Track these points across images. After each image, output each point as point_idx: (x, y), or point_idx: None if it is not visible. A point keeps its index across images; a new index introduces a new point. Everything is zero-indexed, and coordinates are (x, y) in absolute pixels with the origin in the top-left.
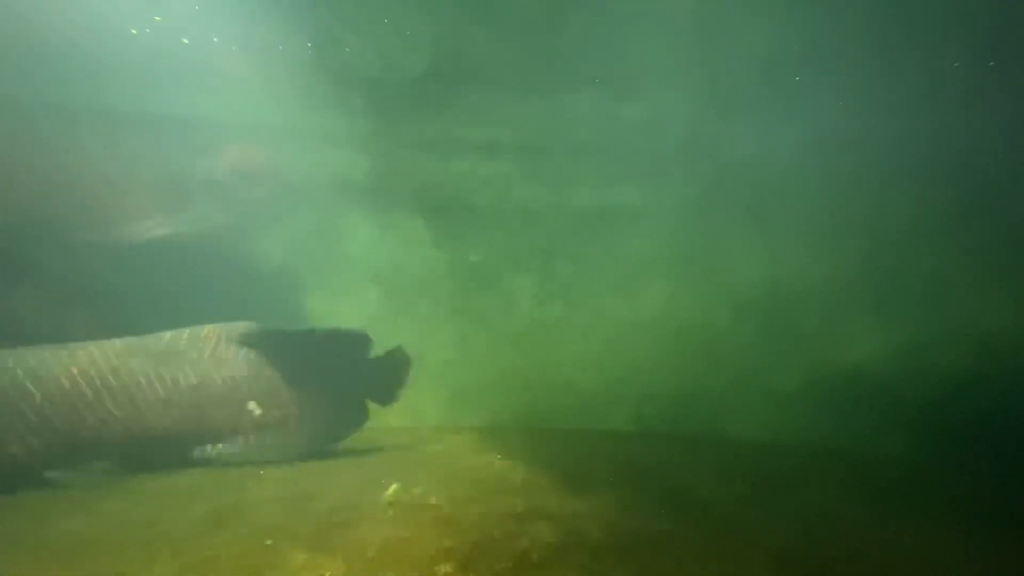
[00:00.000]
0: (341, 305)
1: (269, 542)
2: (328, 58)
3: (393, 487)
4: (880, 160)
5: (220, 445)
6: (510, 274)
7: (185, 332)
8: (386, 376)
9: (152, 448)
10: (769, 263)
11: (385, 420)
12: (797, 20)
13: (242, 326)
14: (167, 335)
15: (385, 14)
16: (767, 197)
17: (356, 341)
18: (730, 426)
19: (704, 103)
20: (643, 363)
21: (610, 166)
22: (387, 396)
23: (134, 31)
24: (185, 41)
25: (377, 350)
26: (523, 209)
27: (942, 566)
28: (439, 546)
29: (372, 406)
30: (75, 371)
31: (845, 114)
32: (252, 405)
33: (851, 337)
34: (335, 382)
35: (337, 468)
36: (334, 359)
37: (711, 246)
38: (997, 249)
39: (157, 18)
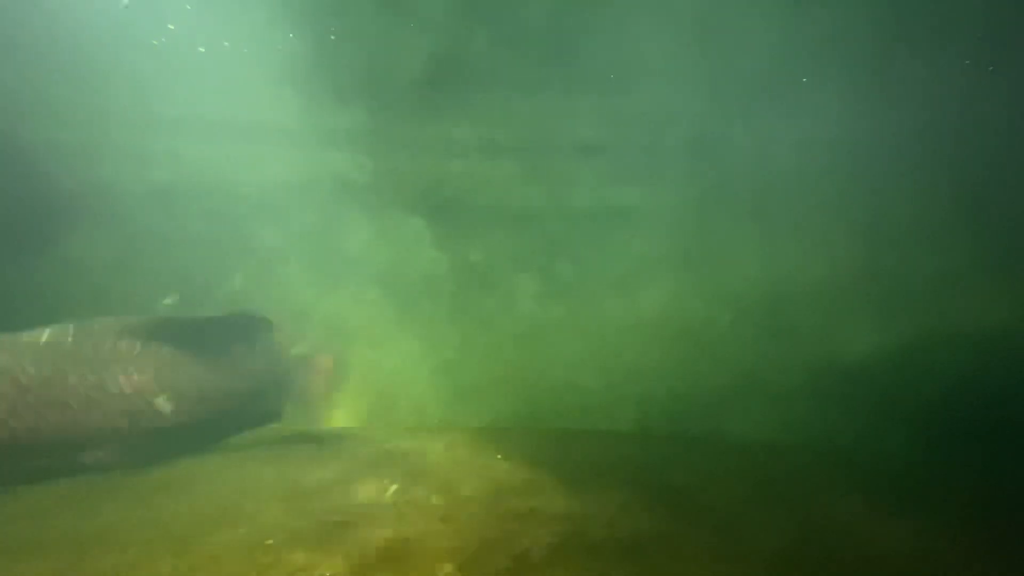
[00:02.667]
0: (341, 305)
1: (269, 542)
2: (326, 56)
3: (394, 487)
4: (881, 159)
5: (113, 447)
6: (510, 274)
7: (70, 327)
8: (302, 377)
9: (33, 454)
10: (769, 262)
11: (385, 420)
12: (799, 20)
13: (142, 319)
14: (46, 331)
15: (385, 10)
16: (768, 196)
17: (267, 338)
18: (730, 426)
19: (706, 102)
20: (644, 363)
21: (610, 166)
22: (303, 396)
23: None
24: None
25: (299, 349)
26: (523, 209)
27: (942, 566)
28: (440, 546)
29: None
30: None
31: (845, 113)
32: (158, 402)
33: (852, 336)
34: (243, 377)
35: (337, 468)
36: (243, 355)
37: (711, 246)
38: (997, 248)
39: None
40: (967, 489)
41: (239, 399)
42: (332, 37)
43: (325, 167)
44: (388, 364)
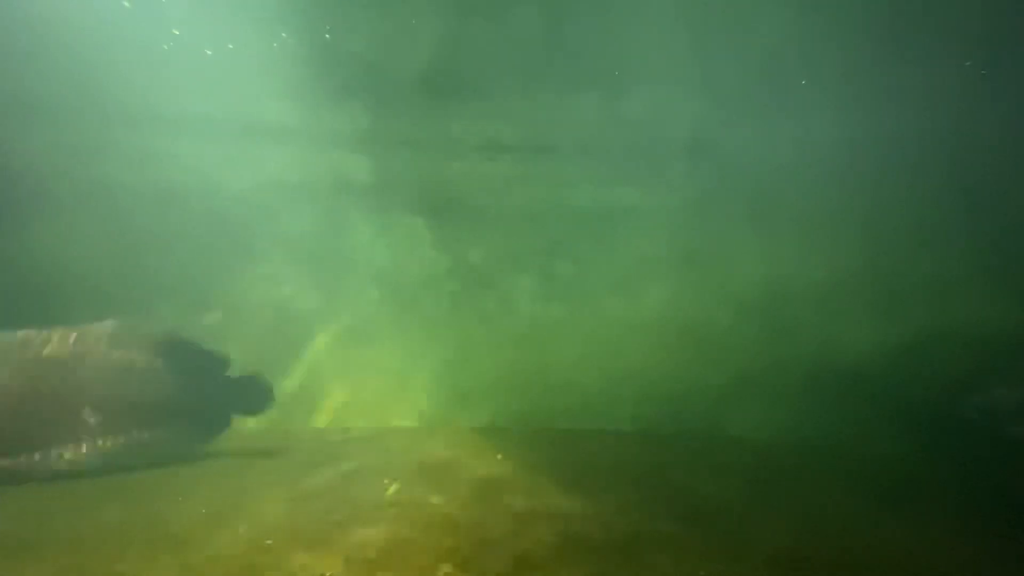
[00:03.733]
0: (341, 305)
1: (269, 542)
2: (324, 54)
3: (394, 487)
4: (880, 160)
5: (42, 454)
6: (510, 274)
7: None
8: (243, 397)
9: None
10: (769, 262)
11: (386, 420)
12: (799, 21)
13: (81, 329)
14: None
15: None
16: (767, 197)
17: (213, 361)
18: (730, 425)
19: (706, 103)
20: (643, 363)
21: (610, 166)
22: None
23: None
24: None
25: (236, 371)
26: (523, 209)
27: (942, 565)
28: (440, 546)
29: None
30: None
31: (845, 114)
32: (87, 411)
33: (851, 336)
34: (189, 391)
35: (337, 467)
36: (182, 371)
37: (711, 246)
38: (995, 250)
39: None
40: (966, 488)
41: (174, 414)
42: (327, 36)
43: (331, 166)
44: (387, 364)
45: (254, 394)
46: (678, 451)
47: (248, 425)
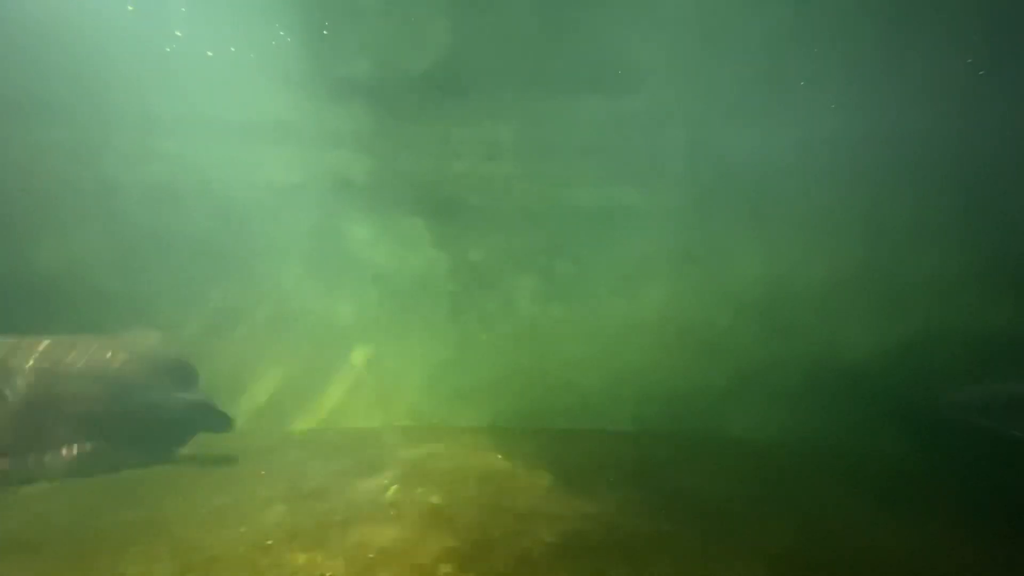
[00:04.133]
0: (342, 305)
1: (269, 542)
2: (325, 53)
3: (394, 487)
4: (880, 160)
5: (7, 461)
6: (510, 274)
7: None
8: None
9: None
10: (769, 262)
11: (386, 420)
12: (800, 20)
13: (46, 339)
14: None
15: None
16: (767, 196)
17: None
18: (731, 425)
19: (707, 102)
20: (643, 363)
21: (610, 166)
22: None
23: None
24: None
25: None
26: (523, 209)
27: (942, 565)
28: (440, 546)
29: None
30: None
31: (845, 114)
32: (51, 420)
33: (851, 336)
34: (156, 405)
35: (337, 468)
36: (160, 385)
37: (711, 245)
38: (997, 248)
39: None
40: (966, 488)
41: (134, 427)
42: (325, 31)
43: (331, 165)
44: (388, 364)
45: (216, 412)
46: (678, 451)
47: (247, 426)
